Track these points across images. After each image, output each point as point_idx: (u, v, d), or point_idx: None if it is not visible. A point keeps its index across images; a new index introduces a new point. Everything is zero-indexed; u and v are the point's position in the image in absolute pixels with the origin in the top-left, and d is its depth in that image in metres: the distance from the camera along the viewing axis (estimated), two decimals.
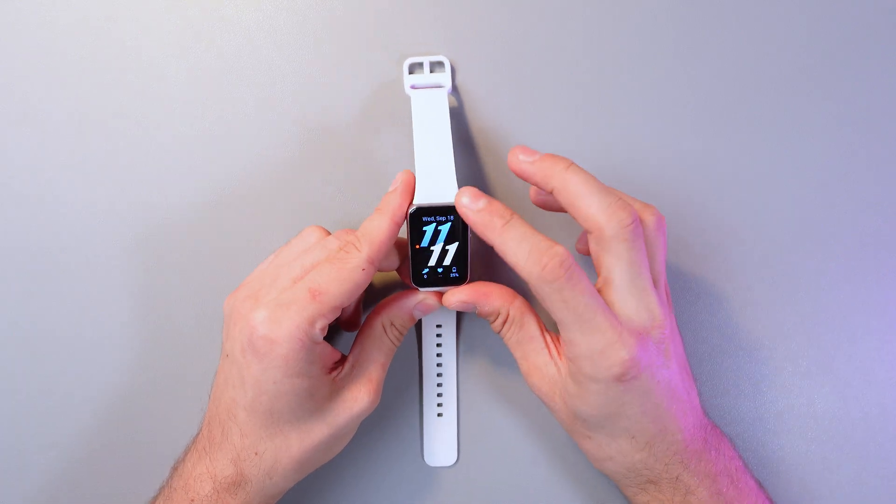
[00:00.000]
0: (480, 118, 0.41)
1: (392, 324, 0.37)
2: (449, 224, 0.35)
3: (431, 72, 0.40)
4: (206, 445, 0.35)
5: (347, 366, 0.36)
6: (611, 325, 0.32)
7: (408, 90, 0.39)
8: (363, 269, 0.33)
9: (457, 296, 0.36)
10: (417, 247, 0.35)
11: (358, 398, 0.36)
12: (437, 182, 0.36)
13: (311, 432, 0.35)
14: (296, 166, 0.41)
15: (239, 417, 0.34)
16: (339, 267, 0.33)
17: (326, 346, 0.35)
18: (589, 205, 0.32)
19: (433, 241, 0.35)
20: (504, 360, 0.42)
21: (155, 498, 0.37)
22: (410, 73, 0.40)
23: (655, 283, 0.35)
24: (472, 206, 0.33)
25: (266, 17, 0.41)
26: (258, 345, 0.33)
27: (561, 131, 0.41)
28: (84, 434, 0.42)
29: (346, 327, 0.40)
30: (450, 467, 0.42)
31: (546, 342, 0.37)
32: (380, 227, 0.34)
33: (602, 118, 0.41)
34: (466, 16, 0.41)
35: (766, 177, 0.42)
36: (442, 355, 0.41)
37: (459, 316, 0.42)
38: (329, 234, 0.37)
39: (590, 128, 0.41)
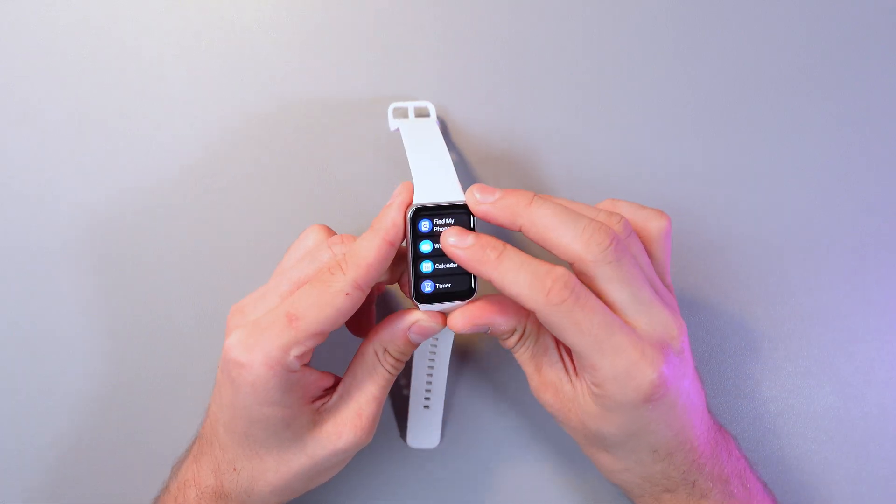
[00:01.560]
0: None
1: (386, 350, 0.34)
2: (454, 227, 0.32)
3: (416, 117, 0.39)
4: (197, 451, 0.35)
5: (336, 395, 0.34)
6: (631, 342, 0.30)
7: (393, 128, 0.37)
8: (347, 294, 0.30)
9: (465, 317, 0.32)
10: (418, 256, 0.32)
11: (342, 434, 0.33)
12: (438, 181, 0.33)
13: (290, 462, 0.33)
14: (297, 166, 0.41)
15: (219, 432, 0.33)
16: (319, 290, 0.30)
17: (310, 373, 0.32)
18: (561, 235, 0.30)
19: (436, 248, 0.32)
20: (495, 356, 0.42)
21: (157, 498, 0.36)
22: (395, 117, 0.38)
23: (666, 286, 0.34)
24: (461, 243, 0.31)
25: (266, 18, 0.41)
26: (230, 368, 0.31)
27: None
28: (84, 434, 0.42)
29: (356, 331, 0.38)
30: (432, 450, 0.42)
31: (560, 355, 0.34)
32: (369, 247, 0.31)
33: (599, 115, 0.41)
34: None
35: (765, 177, 0.42)
36: (434, 360, 0.40)
37: None
38: (332, 234, 0.35)
39: (587, 127, 0.41)
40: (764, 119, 0.42)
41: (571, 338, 0.30)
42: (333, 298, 0.30)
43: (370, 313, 0.38)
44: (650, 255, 0.35)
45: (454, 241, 0.31)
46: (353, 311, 0.31)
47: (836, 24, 0.41)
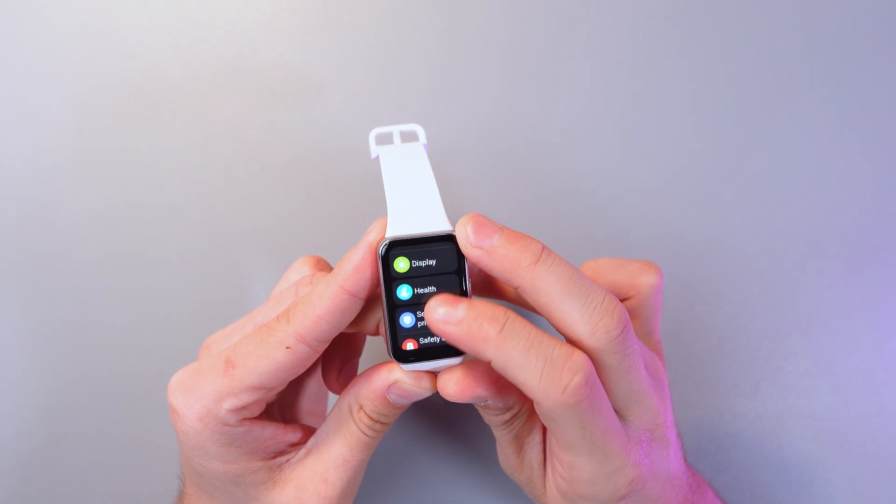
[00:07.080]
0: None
1: (361, 407, 0.28)
2: (438, 265, 0.26)
3: (403, 142, 0.32)
4: (179, 494, 0.33)
5: (303, 451, 0.29)
6: (622, 448, 0.26)
7: (374, 155, 0.31)
8: (287, 348, 0.26)
9: (461, 384, 0.26)
10: (395, 305, 0.26)
11: (304, 502, 0.28)
12: (418, 210, 0.27)
13: None
14: (298, 166, 0.41)
15: (184, 477, 0.31)
16: (259, 339, 0.27)
17: (262, 428, 0.28)
18: (567, 312, 0.25)
19: (417, 293, 0.26)
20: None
21: None
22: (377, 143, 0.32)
23: (654, 346, 0.31)
24: (450, 317, 0.24)
25: (266, 17, 0.41)
26: (170, 412, 0.28)
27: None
28: (83, 435, 0.42)
29: (333, 388, 0.32)
30: None
31: (542, 436, 0.30)
32: (321, 296, 0.26)
33: (598, 115, 0.41)
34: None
35: (765, 176, 0.42)
36: None
37: None
38: (322, 267, 0.31)
39: (587, 127, 0.41)
40: (763, 119, 0.42)
41: (568, 436, 0.26)
42: (272, 350, 0.26)
43: (352, 368, 0.32)
44: (639, 315, 0.31)
45: (442, 314, 0.24)
46: (302, 367, 0.27)
47: (837, 24, 0.41)
